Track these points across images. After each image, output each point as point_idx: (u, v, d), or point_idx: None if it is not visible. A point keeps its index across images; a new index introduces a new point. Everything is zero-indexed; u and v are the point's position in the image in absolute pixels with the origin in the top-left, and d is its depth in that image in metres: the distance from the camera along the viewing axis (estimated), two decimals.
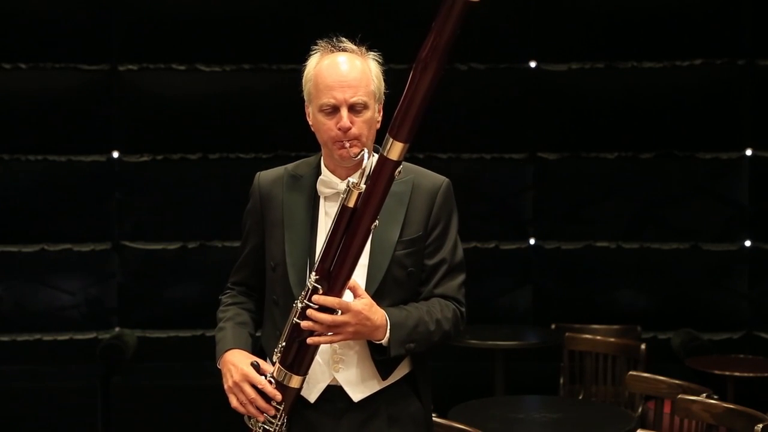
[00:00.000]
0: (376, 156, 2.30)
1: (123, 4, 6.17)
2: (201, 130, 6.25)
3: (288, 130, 6.15)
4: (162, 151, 6.23)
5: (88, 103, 6.21)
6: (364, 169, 2.22)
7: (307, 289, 2.26)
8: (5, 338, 6.17)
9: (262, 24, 6.22)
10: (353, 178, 2.22)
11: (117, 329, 6.22)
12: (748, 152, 6.23)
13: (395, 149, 2.17)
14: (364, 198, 2.20)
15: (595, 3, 6.27)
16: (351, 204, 2.21)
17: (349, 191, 2.21)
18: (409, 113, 2.15)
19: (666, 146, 6.25)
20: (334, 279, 2.23)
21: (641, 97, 6.27)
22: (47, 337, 6.20)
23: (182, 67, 6.21)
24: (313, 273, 2.24)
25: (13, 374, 5.95)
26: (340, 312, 2.25)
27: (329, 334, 2.26)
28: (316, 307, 2.24)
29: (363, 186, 2.21)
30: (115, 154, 6.23)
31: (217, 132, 6.25)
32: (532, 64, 6.30)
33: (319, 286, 2.23)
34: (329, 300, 2.23)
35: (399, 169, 2.21)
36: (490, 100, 6.28)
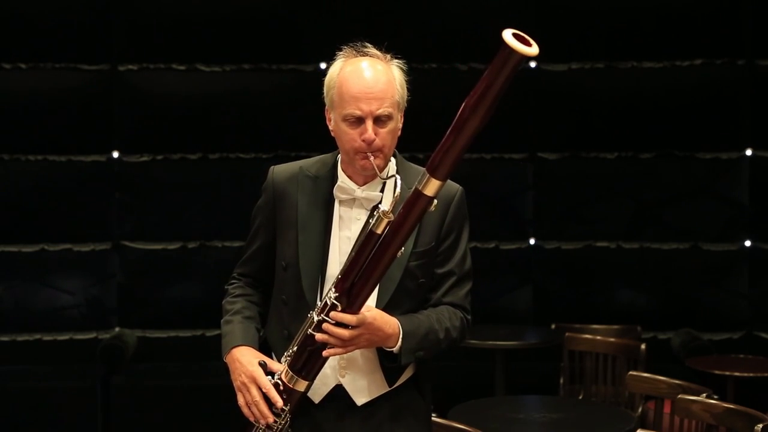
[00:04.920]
0: (393, 167, 2.34)
1: (123, 4, 6.17)
2: (201, 130, 6.25)
3: (288, 130, 6.16)
4: (162, 151, 6.23)
5: (88, 103, 6.21)
6: (396, 198, 2.19)
7: (325, 305, 2.26)
8: (5, 338, 6.17)
9: (262, 24, 6.22)
10: (384, 206, 2.21)
11: (117, 329, 6.22)
12: (748, 152, 6.23)
13: (432, 186, 2.16)
14: (394, 228, 2.19)
15: (595, 3, 6.27)
16: (379, 231, 2.20)
17: (378, 218, 2.19)
18: (450, 155, 2.15)
19: (666, 146, 6.25)
20: (354, 298, 2.24)
21: (641, 97, 6.27)
22: (47, 337, 6.19)
23: (182, 67, 6.21)
24: (332, 290, 2.25)
25: (13, 374, 5.95)
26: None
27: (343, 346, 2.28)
28: (333, 322, 2.24)
29: (392, 215, 2.19)
30: (115, 154, 6.22)
31: (217, 132, 6.25)
32: (532, 64, 6.30)
33: (338, 304, 2.24)
34: (348, 318, 2.24)
35: (434, 203, 2.19)
36: None
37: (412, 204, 2.18)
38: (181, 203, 6.25)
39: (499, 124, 6.26)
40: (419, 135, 5.94)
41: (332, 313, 2.24)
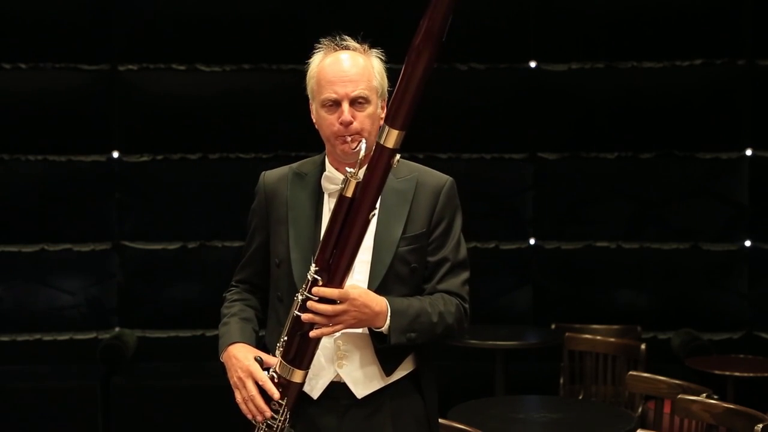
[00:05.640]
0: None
1: (123, 4, 6.17)
2: (201, 130, 6.25)
3: (288, 130, 6.16)
4: (162, 151, 6.23)
5: (88, 103, 6.21)
6: (361, 159, 2.22)
7: (307, 281, 2.26)
8: (5, 338, 6.17)
9: (262, 24, 6.22)
10: (351, 168, 2.22)
11: (117, 329, 6.22)
12: (748, 152, 6.23)
13: (391, 137, 2.17)
14: (362, 187, 2.21)
15: (595, 3, 6.27)
16: (349, 194, 2.21)
17: (347, 181, 2.21)
18: (405, 101, 2.15)
19: (666, 146, 6.25)
20: (334, 270, 2.23)
21: (641, 97, 6.27)
22: (47, 337, 6.20)
23: (182, 67, 6.21)
24: (313, 264, 2.25)
25: (13, 374, 5.95)
26: (339, 302, 2.26)
27: (330, 324, 2.26)
28: (317, 299, 2.24)
29: (360, 176, 2.21)
30: (115, 154, 6.23)
31: (217, 132, 6.25)
32: (532, 64, 6.30)
33: (318, 278, 2.24)
34: (329, 291, 2.23)
35: (396, 158, 2.21)
36: (490, 100, 6.28)
37: (376, 159, 2.20)
38: (181, 203, 6.25)
39: (499, 124, 6.32)
40: (419, 134, 5.95)
41: (314, 289, 2.23)
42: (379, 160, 2.20)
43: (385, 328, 2.33)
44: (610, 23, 6.27)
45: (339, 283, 2.24)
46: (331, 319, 2.25)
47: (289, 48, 6.16)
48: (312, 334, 2.26)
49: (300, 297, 2.26)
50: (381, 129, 2.19)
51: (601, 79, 6.28)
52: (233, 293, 2.62)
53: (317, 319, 2.24)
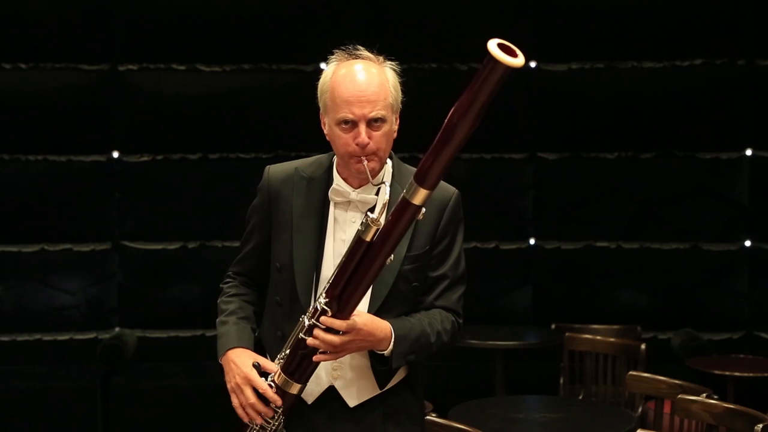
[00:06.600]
0: (389, 169, 2.33)
1: (123, 4, 6.17)
2: (201, 130, 6.25)
3: (288, 130, 6.16)
4: (162, 151, 6.23)
5: (88, 103, 6.20)
6: (385, 205, 2.19)
7: (315, 309, 2.26)
8: (5, 338, 6.17)
9: (262, 24, 6.22)
10: (372, 213, 2.19)
11: (117, 329, 6.22)
12: (748, 152, 6.22)
13: (420, 195, 2.14)
14: (382, 235, 2.18)
15: (595, 3, 6.27)
16: (368, 238, 2.19)
17: (367, 226, 2.18)
18: (437, 164, 2.12)
19: (666, 146, 6.25)
20: (344, 304, 2.24)
21: (641, 97, 6.27)
22: (47, 337, 6.19)
23: (182, 67, 6.21)
24: (323, 296, 2.25)
25: (13, 374, 5.95)
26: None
27: (335, 352, 2.29)
28: (324, 327, 2.25)
29: (381, 222, 2.18)
30: (115, 154, 6.22)
31: (217, 132, 6.25)
32: (532, 64, 6.30)
33: (327, 309, 2.24)
34: (337, 323, 2.24)
35: (422, 211, 2.18)
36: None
37: (400, 213, 2.17)
38: (181, 203, 6.25)
39: (499, 124, 6.32)
40: (419, 135, 5.95)
41: (322, 318, 2.24)
42: (404, 215, 2.17)
43: (387, 352, 2.35)
44: (610, 23, 6.26)
45: (346, 316, 2.25)
46: (337, 347, 2.27)
47: (289, 48, 6.16)
48: (315, 358, 2.28)
49: (306, 321, 2.27)
50: (409, 184, 2.15)
51: (601, 79, 6.27)
52: (231, 286, 2.61)
53: (323, 346, 2.26)
